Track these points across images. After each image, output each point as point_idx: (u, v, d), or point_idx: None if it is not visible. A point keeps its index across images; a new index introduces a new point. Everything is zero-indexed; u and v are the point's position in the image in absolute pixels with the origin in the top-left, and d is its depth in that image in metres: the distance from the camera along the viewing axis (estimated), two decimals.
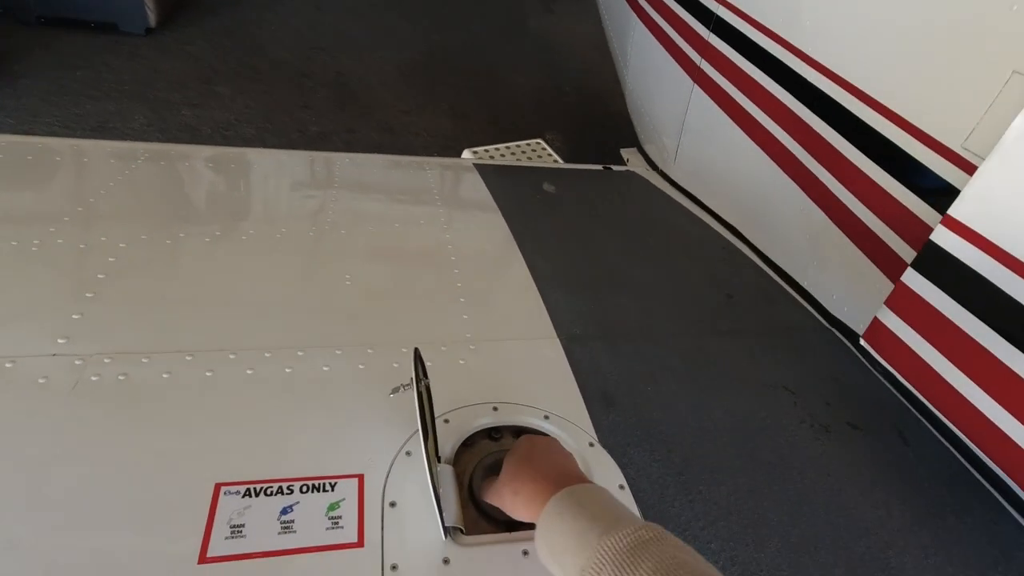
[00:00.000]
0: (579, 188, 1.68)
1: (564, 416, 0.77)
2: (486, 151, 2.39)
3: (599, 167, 1.87)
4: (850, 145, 1.11)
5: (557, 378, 0.84)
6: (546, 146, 2.67)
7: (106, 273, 0.85)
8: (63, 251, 0.88)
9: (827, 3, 1.18)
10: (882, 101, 1.03)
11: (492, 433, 0.75)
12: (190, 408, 0.69)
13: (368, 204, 1.30)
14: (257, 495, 0.62)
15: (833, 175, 1.16)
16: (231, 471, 0.63)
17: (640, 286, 1.15)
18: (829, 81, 1.15)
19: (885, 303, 0.90)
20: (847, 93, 1.11)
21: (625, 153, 2.30)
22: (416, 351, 0.60)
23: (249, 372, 0.74)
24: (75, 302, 0.79)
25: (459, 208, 1.34)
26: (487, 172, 1.58)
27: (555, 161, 2.25)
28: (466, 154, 2.19)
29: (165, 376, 0.71)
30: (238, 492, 0.62)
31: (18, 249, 0.86)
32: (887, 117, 1.02)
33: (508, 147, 2.57)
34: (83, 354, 0.71)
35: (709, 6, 1.56)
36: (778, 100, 1.30)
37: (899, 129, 1.00)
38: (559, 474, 0.56)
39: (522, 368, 0.85)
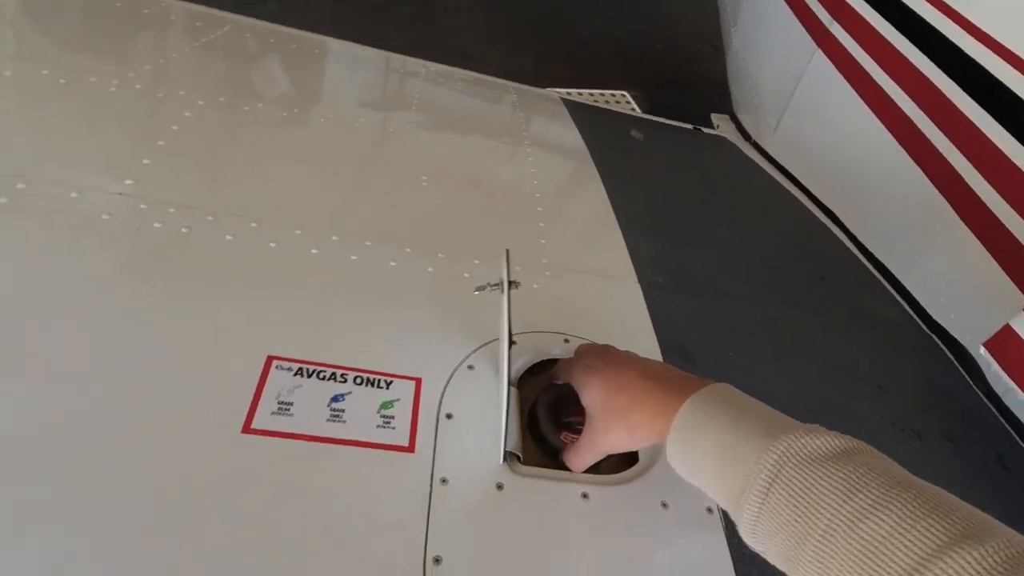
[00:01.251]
0: (667, 142, 1.57)
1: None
2: (568, 93, 2.26)
3: (688, 126, 1.75)
4: (1003, 130, 0.97)
5: (634, 323, 0.77)
6: (630, 99, 2.53)
7: (180, 126, 0.80)
8: (140, 97, 0.84)
9: None
10: None
11: None
12: (249, 274, 0.64)
13: (451, 115, 1.22)
14: (309, 376, 0.57)
15: (972, 163, 1.02)
16: (285, 346, 0.58)
17: (728, 250, 1.05)
18: (994, 55, 1.00)
19: None
20: (1013, 69, 0.96)
21: (716, 118, 2.14)
22: (508, 253, 0.54)
23: (314, 252, 0.69)
24: (146, 148, 0.74)
25: (544, 135, 1.26)
26: (574, 108, 1.48)
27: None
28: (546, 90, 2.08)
29: (228, 238, 0.67)
30: (290, 369, 0.57)
31: (96, 86, 0.82)
32: None
33: (591, 93, 2.43)
34: (149, 199, 0.67)
35: None
36: (921, 74, 1.15)
37: None
38: (677, 381, 0.48)
39: (598, 305, 0.78)
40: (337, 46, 1.33)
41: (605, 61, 3.34)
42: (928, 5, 1.14)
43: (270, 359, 0.57)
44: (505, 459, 0.56)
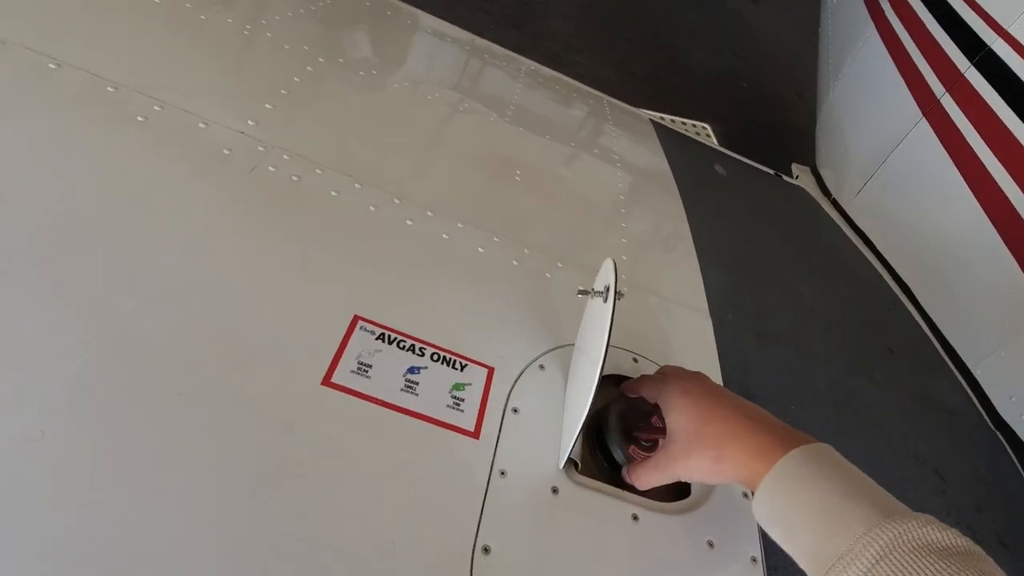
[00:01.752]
0: (748, 183, 1.54)
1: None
2: (650, 115, 2.25)
3: (770, 171, 1.72)
4: None
5: (701, 355, 0.76)
6: (711, 133, 2.50)
7: (302, 79, 0.83)
8: (269, 44, 0.87)
9: None
10: None
11: (623, 383, 0.68)
12: (347, 232, 0.66)
13: (545, 116, 1.23)
14: (390, 343, 0.58)
15: None
16: (371, 309, 0.60)
17: (800, 302, 1.03)
18: None
19: None
20: None
21: (796, 169, 2.10)
22: (615, 263, 0.54)
23: (409, 223, 0.71)
24: (270, 94, 0.77)
25: (632, 154, 1.25)
26: (662, 132, 1.47)
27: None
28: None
29: (333, 194, 0.69)
30: (373, 332, 0.58)
31: (232, 28, 0.85)
32: None
33: (672, 119, 2.41)
34: (267, 142, 0.69)
35: (982, 36, 1.34)
36: None
37: None
38: (779, 427, 0.47)
39: (668, 331, 0.77)
40: (451, 30, 1.36)
41: (688, 90, 3.31)
42: None
43: (356, 318, 0.58)
44: (564, 465, 0.56)
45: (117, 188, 0.58)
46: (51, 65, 0.65)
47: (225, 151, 0.66)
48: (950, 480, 0.81)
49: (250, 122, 0.70)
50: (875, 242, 1.47)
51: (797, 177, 2.02)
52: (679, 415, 0.51)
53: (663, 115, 2.39)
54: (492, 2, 3.12)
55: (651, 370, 0.69)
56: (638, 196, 1.06)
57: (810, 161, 2.10)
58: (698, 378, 0.56)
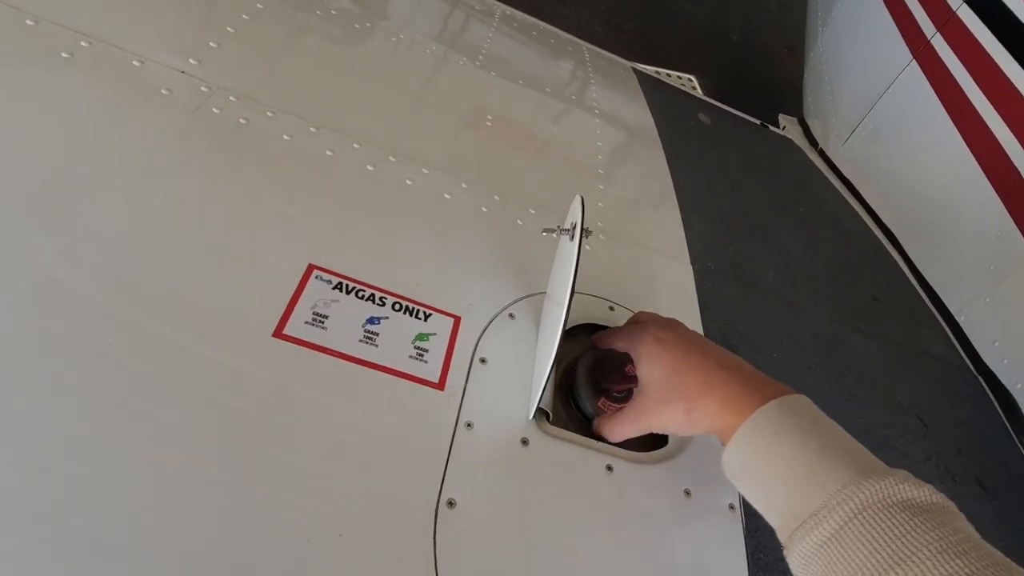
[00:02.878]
0: (733, 133, 1.50)
1: None
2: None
3: (756, 121, 1.67)
4: None
5: (682, 305, 0.73)
6: (697, 85, 2.43)
7: (251, 17, 0.76)
8: None
9: None
10: None
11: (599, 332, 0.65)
12: (300, 178, 0.62)
13: (520, 62, 1.17)
14: (348, 292, 0.55)
15: None
16: (327, 258, 0.56)
17: (783, 251, 1.01)
18: None
19: None
20: None
21: (783, 119, 2.05)
22: (582, 200, 0.50)
23: (369, 168, 0.66)
24: (215, 32, 0.71)
25: (612, 101, 1.20)
26: (644, 80, 1.42)
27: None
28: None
29: (285, 138, 0.64)
30: (330, 282, 0.55)
31: None
32: None
33: (658, 71, 2.33)
34: (211, 83, 0.64)
35: None
36: None
37: None
38: (756, 377, 0.45)
39: (647, 280, 0.74)
40: None
41: (677, 44, 3.22)
42: None
43: (311, 267, 0.55)
44: (534, 415, 0.53)
45: (40, 132, 0.53)
46: None
47: (163, 91, 0.60)
48: (932, 425, 0.80)
49: (192, 60, 0.65)
50: (862, 191, 1.44)
51: (784, 128, 1.97)
52: (651, 364, 0.49)
53: (647, 67, 2.31)
54: None
55: (627, 319, 0.66)
56: (618, 145, 1.01)
57: (798, 113, 2.06)
58: (672, 325, 0.53)
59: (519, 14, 1.38)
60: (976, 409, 0.90)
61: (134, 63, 0.61)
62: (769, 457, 0.40)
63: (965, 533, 0.33)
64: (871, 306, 1.01)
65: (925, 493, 0.35)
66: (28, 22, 0.59)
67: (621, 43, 2.95)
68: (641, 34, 3.13)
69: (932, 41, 1.35)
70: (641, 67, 2.18)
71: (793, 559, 0.38)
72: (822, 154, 1.68)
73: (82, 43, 0.60)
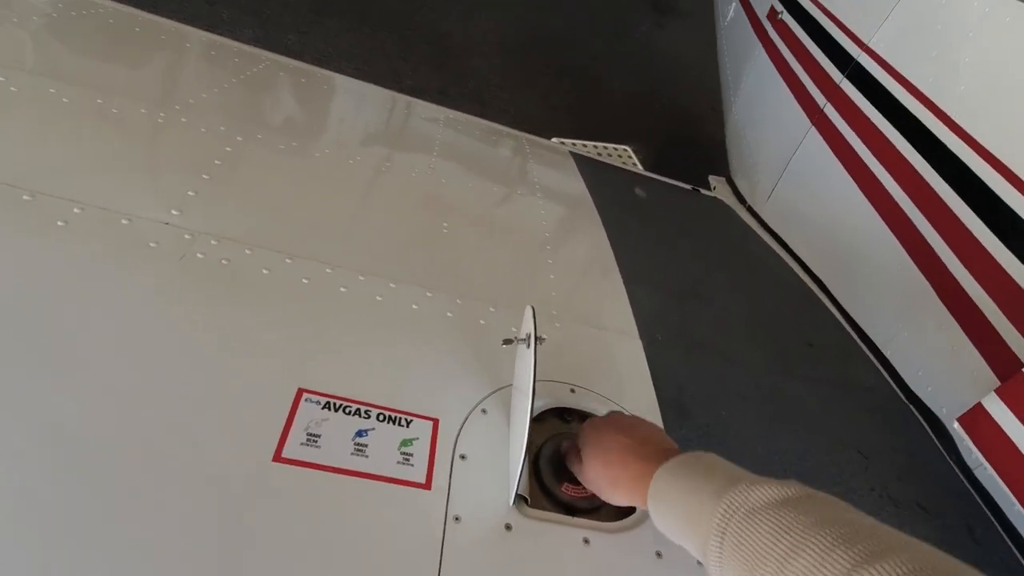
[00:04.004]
0: (667, 201, 1.65)
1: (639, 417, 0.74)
2: (573, 144, 2.36)
3: (688, 186, 1.83)
4: (977, 218, 1.05)
5: (635, 377, 0.82)
6: (632, 155, 2.63)
7: (223, 161, 0.85)
8: (185, 131, 0.89)
9: (988, 75, 1.12)
10: None
11: (564, 414, 0.73)
12: (283, 308, 0.69)
13: (467, 163, 1.28)
14: (336, 410, 0.61)
15: (950, 246, 1.10)
16: (315, 380, 0.62)
17: (723, 311, 1.11)
18: (970, 150, 1.09)
19: (996, 391, 0.85)
20: (987, 165, 1.05)
21: (713, 180, 2.24)
22: (533, 310, 0.58)
23: (343, 290, 0.74)
24: (192, 180, 0.79)
25: (554, 188, 1.32)
26: (581, 161, 1.56)
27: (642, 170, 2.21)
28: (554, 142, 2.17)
29: (264, 272, 0.71)
30: (319, 403, 0.61)
31: (145, 118, 0.87)
32: None
33: (595, 146, 2.53)
34: (193, 230, 0.71)
35: (850, 51, 1.50)
36: (904, 159, 1.24)
37: None
38: (652, 449, 0.53)
39: (601, 358, 0.83)
40: (367, 90, 1.40)
41: (610, 115, 3.47)
42: (913, 99, 1.24)
43: (300, 391, 0.61)
44: (514, 502, 0.59)
45: (42, 294, 0.59)
46: None
47: (152, 244, 0.67)
48: (872, 456, 0.89)
49: (174, 211, 0.72)
50: (789, 243, 1.59)
51: (714, 188, 2.16)
52: (585, 450, 0.58)
53: (586, 142, 2.50)
54: (408, 51, 3.21)
55: (588, 399, 0.74)
56: (563, 230, 1.12)
57: (726, 172, 2.25)
58: (611, 415, 0.62)
59: (463, 116, 1.52)
60: (910, 435, 0.99)
61: (123, 221, 0.68)
62: (670, 513, 0.48)
63: (806, 511, 0.38)
64: (807, 352, 1.11)
65: (783, 489, 0.41)
66: (25, 197, 0.66)
67: (558, 120, 3.18)
68: (575, 109, 3.38)
69: (824, 110, 1.55)
70: (580, 143, 2.37)
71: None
72: (750, 210, 1.85)
73: (75, 209, 0.67)
